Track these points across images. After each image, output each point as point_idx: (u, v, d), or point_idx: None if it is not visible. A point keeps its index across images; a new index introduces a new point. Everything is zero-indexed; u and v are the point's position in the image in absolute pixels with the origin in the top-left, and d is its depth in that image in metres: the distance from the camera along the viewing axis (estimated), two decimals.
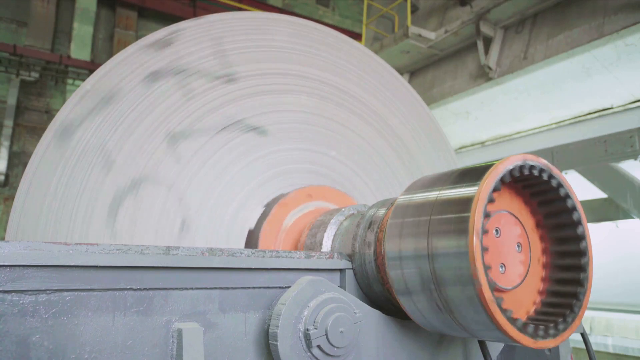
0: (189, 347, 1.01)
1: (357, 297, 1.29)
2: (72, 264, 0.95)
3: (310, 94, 2.13)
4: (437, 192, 1.12)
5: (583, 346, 1.59)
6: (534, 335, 1.01)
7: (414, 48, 7.32)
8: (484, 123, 7.29)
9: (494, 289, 1.02)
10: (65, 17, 12.41)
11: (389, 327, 1.28)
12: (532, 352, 1.62)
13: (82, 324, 0.95)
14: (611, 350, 6.99)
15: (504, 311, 0.97)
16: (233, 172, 1.89)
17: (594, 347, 4.27)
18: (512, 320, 0.98)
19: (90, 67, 11.62)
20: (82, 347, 0.95)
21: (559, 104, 6.35)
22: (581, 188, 5.87)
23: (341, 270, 1.39)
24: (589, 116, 6.31)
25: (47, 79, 11.89)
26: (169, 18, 13.12)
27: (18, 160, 11.32)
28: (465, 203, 1.01)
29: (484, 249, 0.98)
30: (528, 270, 1.14)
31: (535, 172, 1.09)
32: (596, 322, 7.13)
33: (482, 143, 7.74)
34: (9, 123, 11.09)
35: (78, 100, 1.70)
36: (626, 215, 5.74)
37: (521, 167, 1.07)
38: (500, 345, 1.47)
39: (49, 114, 11.85)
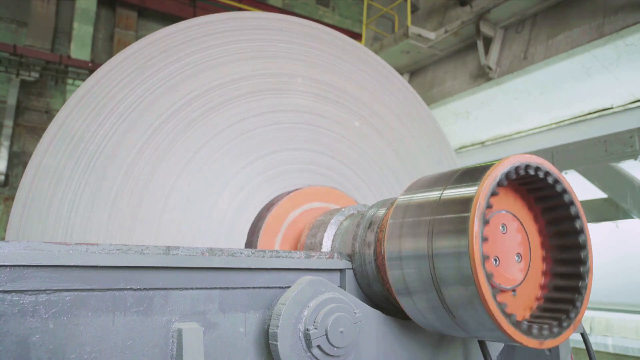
0: (189, 347, 1.01)
1: (357, 297, 1.29)
2: (72, 264, 0.95)
3: (310, 93, 2.13)
4: (437, 192, 1.12)
5: (583, 346, 1.59)
6: (534, 335, 1.01)
7: (414, 48, 7.33)
8: (484, 123, 7.29)
9: (494, 288, 1.02)
10: (65, 17, 12.40)
11: (389, 327, 1.28)
12: (532, 352, 1.62)
13: (82, 324, 0.95)
14: (611, 350, 6.99)
15: (503, 311, 0.97)
16: (233, 172, 1.89)
17: (594, 347, 4.27)
18: (512, 320, 0.98)
19: (90, 67, 11.62)
20: (82, 347, 0.95)
21: (559, 104, 6.35)
22: (581, 188, 5.87)
23: (341, 270, 1.39)
24: (589, 116, 6.32)
25: (47, 79, 11.89)
26: (169, 18, 13.11)
27: (18, 160, 11.32)
28: (465, 203, 1.01)
29: (484, 249, 0.98)
30: (528, 270, 1.14)
31: (535, 172, 1.09)
32: (596, 322, 7.13)
33: (482, 143, 7.74)
34: (9, 123, 11.09)
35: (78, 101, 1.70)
36: (626, 215, 5.74)
37: (521, 167, 1.07)
38: (500, 345, 1.47)
39: (49, 114, 11.85)
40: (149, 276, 1.04)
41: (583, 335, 1.58)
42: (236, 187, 1.88)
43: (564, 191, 1.12)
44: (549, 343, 1.03)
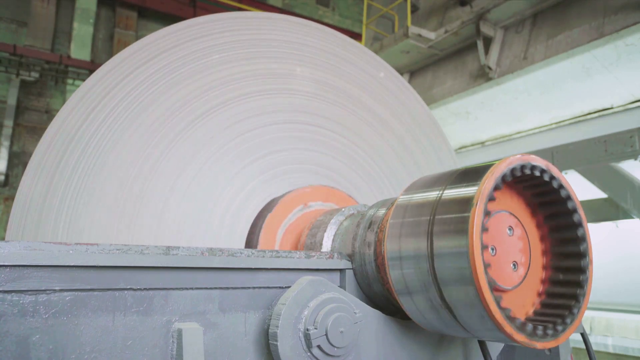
0: (189, 347, 1.01)
1: (357, 297, 1.29)
2: (72, 264, 0.95)
3: (310, 93, 2.13)
4: (437, 192, 1.12)
5: (583, 346, 1.59)
6: (534, 335, 1.01)
7: (414, 48, 7.33)
8: (484, 123, 7.29)
9: (494, 288, 1.02)
10: (65, 17, 12.41)
11: (389, 327, 1.28)
12: (532, 352, 1.62)
13: (82, 324, 0.95)
14: (611, 350, 6.99)
15: (503, 311, 0.97)
16: (233, 172, 1.89)
17: (594, 347, 4.26)
18: (512, 320, 0.98)
19: (90, 67, 11.63)
20: (82, 347, 0.95)
21: (559, 104, 6.35)
22: (581, 188, 5.87)
23: (341, 270, 1.39)
24: (589, 116, 6.32)
25: (47, 79, 11.89)
26: (169, 18, 13.12)
27: (18, 160, 11.32)
28: (465, 203, 1.01)
29: (484, 248, 0.98)
30: (528, 270, 1.14)
31: (536, 172, 1.09)
32: (596, 322, 7.13)
33: (482, 143, 7.74)
34: (9, 123, 11.10)
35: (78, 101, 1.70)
36: (626, 215, 5.74)
37: (521, 167, 1.07)
38: (500, 345, 1.47)
39: (49, 114, 11.86)
40: (149, 276, 1.04)
41: (583, 335, 1.58)
42: (236, 187, 1.88)
43: (561, 187, 1.12)
44: (549, 343, 1.03)
